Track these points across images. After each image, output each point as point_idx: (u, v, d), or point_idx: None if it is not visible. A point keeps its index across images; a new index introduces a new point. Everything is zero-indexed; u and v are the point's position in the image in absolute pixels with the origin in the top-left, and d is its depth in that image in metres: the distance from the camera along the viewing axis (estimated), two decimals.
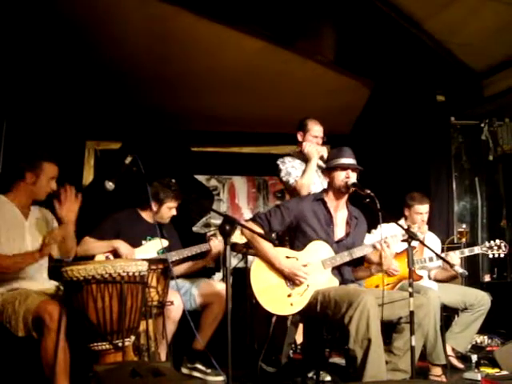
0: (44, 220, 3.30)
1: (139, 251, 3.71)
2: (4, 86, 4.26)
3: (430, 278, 4.28)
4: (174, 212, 3.87)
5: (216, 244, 3.85)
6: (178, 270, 3.89)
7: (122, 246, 3.63)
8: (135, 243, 3.73)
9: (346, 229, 3.38)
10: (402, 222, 4.23)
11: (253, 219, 3.35)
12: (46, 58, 4.85)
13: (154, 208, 3.79)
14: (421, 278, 4.11)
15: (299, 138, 4.18)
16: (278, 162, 4.13)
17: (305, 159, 4.06)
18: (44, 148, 3.28)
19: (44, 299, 2.87)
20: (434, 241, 4.39)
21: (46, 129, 5.47)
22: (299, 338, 4.04)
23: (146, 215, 3.88)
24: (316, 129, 4.15)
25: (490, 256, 4.04)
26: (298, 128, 4.22)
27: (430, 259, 4.12)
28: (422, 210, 4.20)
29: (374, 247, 3.29)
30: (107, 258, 3.66)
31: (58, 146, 5.49)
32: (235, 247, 4.19)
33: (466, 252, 4.09)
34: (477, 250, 4.10)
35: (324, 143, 4.22)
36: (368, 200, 3.13)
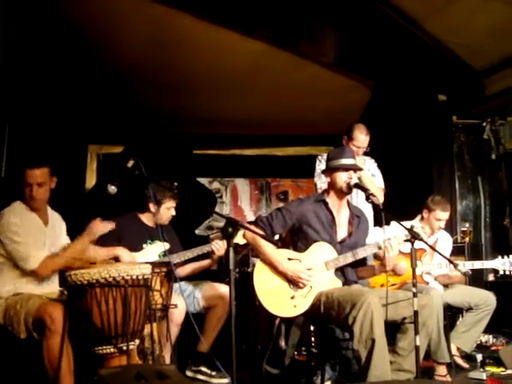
0: (59, 224, 3.33)
1: (141, 255, 3.71)
2: (7, 89, 4.27)
3: (434, 279, 4.26)
4: (173, 212, 3.85)
5: (219, 246, 3.84)
6: (183, 271, 3.90)
7: (123, 253, 3.57)
8: (136, 247, 3.72)
9: (349, 229, 3.38)
10: (416, 220, 4.18)
11: (255, 223, 3.35)
12: (48, 61, 4.86)
13: (153, 209, 3.79)
14: (427, 283, 4.08)
15: (343, 142, 4.14)
16: (317, 159, 4.12)
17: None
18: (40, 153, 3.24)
19: (45, 301, 2.89)
20: (447, 240, 4.35)
21: (49, 133, 5.48)
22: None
23: (146, 218, 3.87)
24: (360, 139, 4.07)
25: (501, 272, 3.96)
26: (345, 131, 4.16)
27: (439, 266, 4.04)
28: (442, 217, 4.09)
29: (379, 247, 3.26)
30: None
31: (61, 150, 5.52)
32: (237, 249, 4.18)
33: (480, 264, 4.04)
34: (487, 264, 4.04)
35: (366, 153, 4.18)
36: (370, 200, 3.14)
